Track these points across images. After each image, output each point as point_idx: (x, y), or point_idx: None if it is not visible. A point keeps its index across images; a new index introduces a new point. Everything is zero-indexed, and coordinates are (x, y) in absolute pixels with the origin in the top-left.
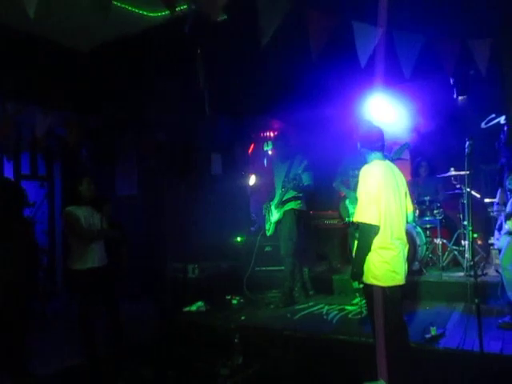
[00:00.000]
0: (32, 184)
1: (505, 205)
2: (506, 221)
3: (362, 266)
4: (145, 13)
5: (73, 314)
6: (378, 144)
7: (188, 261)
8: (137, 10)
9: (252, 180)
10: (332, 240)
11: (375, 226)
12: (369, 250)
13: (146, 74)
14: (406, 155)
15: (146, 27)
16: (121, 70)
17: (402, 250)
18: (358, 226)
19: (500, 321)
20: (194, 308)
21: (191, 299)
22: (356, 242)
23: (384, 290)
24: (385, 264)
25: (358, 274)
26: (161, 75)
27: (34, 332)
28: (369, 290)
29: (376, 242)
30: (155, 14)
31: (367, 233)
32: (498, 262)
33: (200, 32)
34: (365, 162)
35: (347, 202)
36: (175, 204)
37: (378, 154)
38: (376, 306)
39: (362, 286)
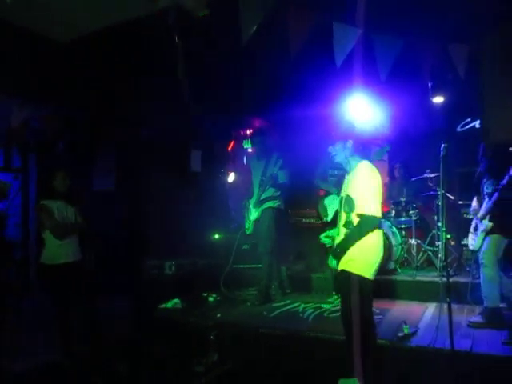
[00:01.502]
0: (6, 176)
1: (480, 207)
2: (481, 221)
3: (345, 252)
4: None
5: (47, 310)
6: (361, 143)
7: (165, 258)
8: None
9: (231, 177)
10: (310, 238)
11: (379, 218)
12: (360, 239)
13: (127, 69)
14: (385, 157)
15: (129, 21)
16: (101, 64)
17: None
18: (363, 219)
19: (470, 320)
20: (169, 305)
21: (167, 296)
22: (351, 230)
23: (368, 282)
24: (377, 258)
25: (340, 256)
26: (141, 70)
27: (6, 328)
28: (355, 281)
29: (376, 236)
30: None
31: (369, 224)
32: (471, 262)
33: (182, 28)
34: (345, 162)
35: (326, 201)
36: (153, 200)
37: (361, 155)
38: (358, 296)
39: (337, 268)
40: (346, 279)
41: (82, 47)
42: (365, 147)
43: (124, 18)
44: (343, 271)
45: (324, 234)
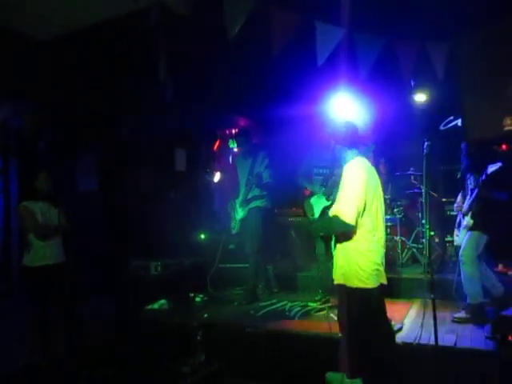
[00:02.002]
0: None
1: (464, 203)
2: (464, 217)
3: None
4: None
5: (29, 312)
6: (354, 140)
7: (150, 258)
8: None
9: (217, 177)
10: (296, 237)
11: (351, 225)
12: (332, 234)
13: (109, 68)
14: (371, 156)
15: (110, 19)
16: (82, 62)
17: (383, 250)
18: (335, 218)
19: (454, 315)
20: (156, 306)
21: (154, 297)
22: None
23: (370, 291)
24: (372, 264)
25: (317, 233)
26: (123, 69)
27: None
28: (352, 293)
29: (364, 245)
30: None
31: (340, 226)
32: (455, 258)
33: (165, 26)
34: (340, 160)
35: (312, 200)
36: (138, 200)
37: (355, 151)
38: (361, 309)
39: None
40: (347, 293)
41: (62, 45)
42: (353, 143)
43: (105, 16)
44: (340, 285)
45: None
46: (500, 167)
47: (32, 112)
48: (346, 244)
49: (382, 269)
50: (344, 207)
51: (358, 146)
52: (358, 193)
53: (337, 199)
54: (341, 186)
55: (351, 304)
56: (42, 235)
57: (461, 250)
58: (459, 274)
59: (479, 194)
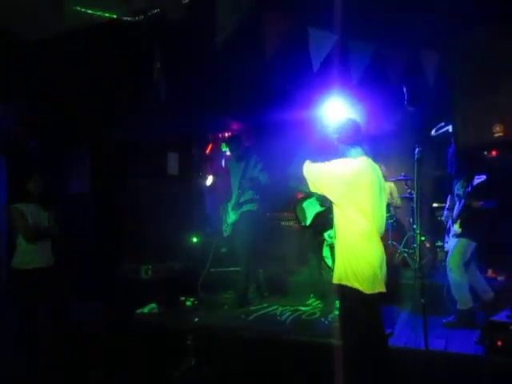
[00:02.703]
0: None
1: (453, 209)
2: (453, 224)
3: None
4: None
5: (16, 314)
6: (357, 138)
7: (141, 262)
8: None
9: (209, 180)
10: (288, 242)
11: (302, 175)
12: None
13: (101, 69)
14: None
15: (104, 20)
16: (74, 63)
17: (383, 255)
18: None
19: (444, 320)
20: (146, 310)
21: (144, 301)
22: (340, 238)
23: (365, 295)
24: (370, 267)
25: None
26: (116, 70)
27: None
28: (348, 294)
29: (362, 246)
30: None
31: (297, 170)
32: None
33: (158, 29)
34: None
35: (304, 204)
36: (129, 203)
37: (359, 150)
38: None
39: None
40: (341, 292)
41: (55, 46)
42: (355, 141)
43: (99, 17)
44: (338, 285)
45: (327, 234)
46: (485, 180)
47: (23, 113)
48: (345, 244)
49: (380, 275)
50: (315, 167)
51: (362, 145)
52: (334, 172)
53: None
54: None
55: (345, 305)
56: (31, 237)
57: (448, 256)
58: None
59: (466, 204)
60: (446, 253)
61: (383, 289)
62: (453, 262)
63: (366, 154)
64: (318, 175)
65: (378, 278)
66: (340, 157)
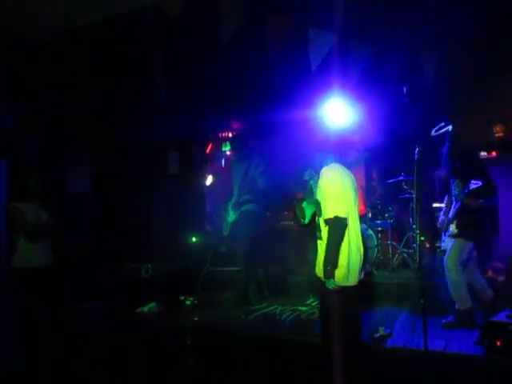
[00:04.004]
0: None
1: (449, 212)
2: (449, 224)
3: (337, 262)
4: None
5: (16, 313)
6: (336, 149)
7: (142, 261)
8: None
9: (209, 180)
10: (288, 241)
11: (344, 218)
12: (340, 244)
13: (102, 69)
14: (363, 163)
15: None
16: (75, 63)
17: (355, 247)
18: (329, 223)
19: (444, 320)
20: (146, 309)
21: (144, 300)
22: (325, 240)
23: (346, 289)
24: (341, 259)
25: (332, 271)
26: (118, 71)
27: None
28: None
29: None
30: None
31: (338, 227)
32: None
33: (160, 28)
34: (319, 166)
35: (304, 203)
36: (129, 203)
37: (335, 158)
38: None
39: (336, 285)
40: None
41: (55, 46)
42: (342, 151)
43: (99, 16)
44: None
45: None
46: (481, 186)
47: (24, 112)
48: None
49: (350, 267)
50: (331, 205)
51: (342, 153)
52: (339, 189)
53: (322, 204)
54: (320, 191)
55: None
56: (31, 237)
57: (445, 256)
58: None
59: (463, 205)
60: (444, 252)
61: (351, 283)
62: (450, 262)
63: (343, 161)
64: (338, 200)
65: (345, 271)
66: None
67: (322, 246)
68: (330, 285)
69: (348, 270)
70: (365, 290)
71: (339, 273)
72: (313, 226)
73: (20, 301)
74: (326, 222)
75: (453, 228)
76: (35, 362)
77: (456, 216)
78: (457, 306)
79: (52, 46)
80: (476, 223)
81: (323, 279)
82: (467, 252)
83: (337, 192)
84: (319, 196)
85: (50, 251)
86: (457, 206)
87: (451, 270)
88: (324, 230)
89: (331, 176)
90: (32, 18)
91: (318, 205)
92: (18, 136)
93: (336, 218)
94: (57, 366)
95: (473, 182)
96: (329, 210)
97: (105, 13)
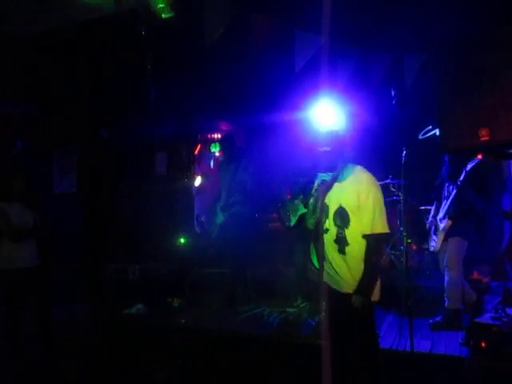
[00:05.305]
0: None
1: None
2: (441, 221)
3: (374, 287)
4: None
5: (1, 315)
6: (350, 148)
7: (128, 262)
8: None
9: (197, 181)
10: (276, 243)
11: (389, 233)
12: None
13: (89, 67)
14: None
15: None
16: (61, 62)
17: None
18: (376, 239)
19: (431, 321)
20: (133, 310)
21: (131, 301)
22: (355, 255)
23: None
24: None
25: (370, 294)
26: (105, 70)
27: None
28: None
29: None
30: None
31: (383, 243)
32: (433, 265)
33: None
34: (335, 167)
35: (288, 206)
36: (116, 203)
37: (352, 159)
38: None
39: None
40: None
41: (42, 45)
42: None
43: (88, 16)
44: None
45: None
46: (478, 163)
47: (9, 111)
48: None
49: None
50: (381, 220)
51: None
52: (382, 201)
53: (365, 215)
54: (361, 199)
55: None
56: (15, 237)
57: (446, 256)
58: (436, 280)
59: (458, 193)
60: (433, 254)
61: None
62: (452, 261)
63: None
64: (383, 214)
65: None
66: (330, 166)
67: (346, 260)
68: (362, 302)
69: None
70: None
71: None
72: (316, 232)
73: (5, 301)
74: (372, 237)
75: (445, 223)
76: (21, 362)
77: (449, 211)
78: (446, 305)
79: (39, 45)
80: (470, 222)
81: (357, 297)
82: (464, 250)
83: (382, 203)
84: (350, 205)
85: (35, 251)
86: (451, 199)
87: (453, 268)
88: (353, 245)
89: (375, 183)
90: (18, 15)
91: (343, 215)
92: (2, 136)
93: (385, 234)
94: (42, 366)
95: (469, 162)
96: (377, 225)
97: (93, 13)
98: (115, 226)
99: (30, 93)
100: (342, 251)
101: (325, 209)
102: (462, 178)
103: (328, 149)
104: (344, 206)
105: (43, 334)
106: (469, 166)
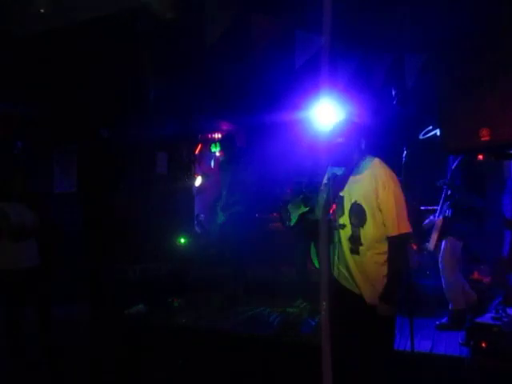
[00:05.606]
0: None
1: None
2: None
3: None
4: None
5: (1, 316)
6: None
7: (129, 262)
8: None
9: (198, 181)
10: (276, 243)
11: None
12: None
13: (88, 67)
14: None
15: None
16: (61, 61)
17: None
18: (400, 239)
19: (437, 322)
20: (134, 310)
21: (131, 301)
22: (394, 259)
23: None
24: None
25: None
26: (106, 70)
27: None
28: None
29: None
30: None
31: (406, 244)
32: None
33: (149, 29)
34: (351, 162)
35: (289, 206)
36: (117, 203)
37: (371, 152)
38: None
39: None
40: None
41: (42, 45)
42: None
43: (88, 16)
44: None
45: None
46: (462, 159)
47: (9, 111)
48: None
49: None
50: (403, 219)
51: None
52: (403, 199)
53: (387, 214)
54: (380, 196)
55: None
56: (15, 237)
57: (440, 257)
58: (436, 280)
59: (455, 197)
60: (430, 253)
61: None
62: (446, 261)
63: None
64: (405, 213)
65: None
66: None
67: (358, 261)
68: (388, 310)
69: None
70: None
71: None
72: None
73: (5, 302)
74: (395, 238)
75: (437, 222)
76: (21, 363)
77: (443, 210)
78: (451, 306)
79: (38, 45)
80: (466, 223)
81: (383, 305)
82: (459, 251)
83: (403, 199)
84: (368, 202)
85: (36, 251)
86: (443, 195)
87: (447, 269)
88: (368, 245)
89: (394, 178)
90: (18, 15)
91: (359, 212)
92: (3, 136)
93: (409, 234)
94: (43, 366)
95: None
96: (401, 224)
97: (93, 12)
98: (115, 225)
99: (29, 93)
100: (354, 251)
101: (340, 204)
102: (453, 167)
103: (341, 140)
104: (360, 202)
105: (43, 334)
106: (454, 165)
